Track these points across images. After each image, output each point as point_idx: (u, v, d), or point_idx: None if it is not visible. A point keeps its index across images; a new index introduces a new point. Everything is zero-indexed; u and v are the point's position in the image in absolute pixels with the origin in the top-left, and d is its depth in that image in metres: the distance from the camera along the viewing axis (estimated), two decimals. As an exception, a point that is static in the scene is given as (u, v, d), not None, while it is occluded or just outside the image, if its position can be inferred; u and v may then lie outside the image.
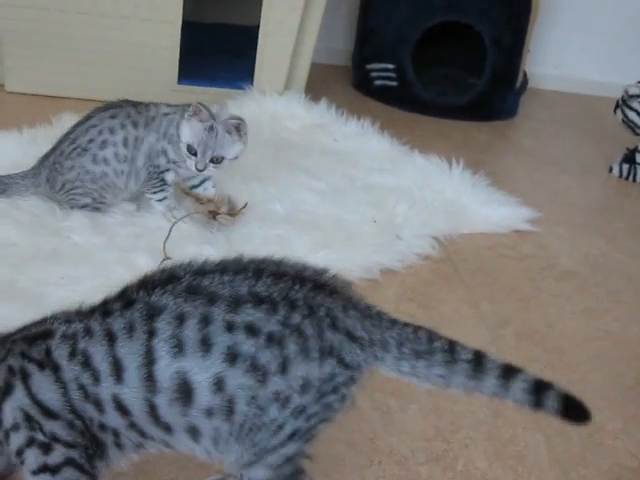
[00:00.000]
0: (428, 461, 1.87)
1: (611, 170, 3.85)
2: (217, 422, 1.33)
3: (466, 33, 4.27)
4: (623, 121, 3.71)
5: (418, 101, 4.34)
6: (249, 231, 2.69)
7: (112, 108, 2.71)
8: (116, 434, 1.37)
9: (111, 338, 1.31)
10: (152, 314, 1.30)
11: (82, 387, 1.33)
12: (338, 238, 2.73)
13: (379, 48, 4.45)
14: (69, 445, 1.36)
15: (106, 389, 1.32)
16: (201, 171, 2.63)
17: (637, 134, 3.71)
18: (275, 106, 3.77)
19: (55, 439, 1.35)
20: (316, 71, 4.15)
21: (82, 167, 2.65)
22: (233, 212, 2.70)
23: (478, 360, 1.38)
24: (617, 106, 3.73)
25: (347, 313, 1.36)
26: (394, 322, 1.41)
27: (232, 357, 1.28)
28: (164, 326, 1.29)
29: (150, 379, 1.30)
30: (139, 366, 1.30)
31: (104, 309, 1.36)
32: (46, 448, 1.35)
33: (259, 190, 2.91)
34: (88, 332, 1.33)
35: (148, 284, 1.35)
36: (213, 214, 2.67)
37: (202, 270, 1.37)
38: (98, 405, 1.33)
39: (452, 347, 1.39)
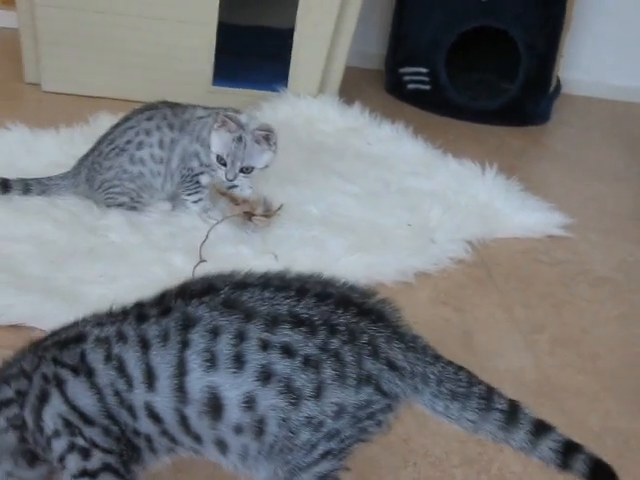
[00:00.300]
0: (462, 464, 1.88)
1: (645, 177, 3.84)
2: (246, 440, 1.32)
3: (499, 38, 4.26)
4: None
5: (451, 105, 4.34)
6: (285, 232, 2.70)
7: (149, 110, 2.74)
8: (149, 440, 1.36)
9: (145, 345, 1.30)
10: (187, 325, 1.29)
11: (117, 393, 1.32)
12: (373, 241, 2.74)
13: (412, 52, 4.45)
14: (106, 451, 1.35)
15: (139, 396, 1.31)
16: (231, 181, 2.66)
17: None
18: (309, 109, 3.78)
19: (94, 444, 1.35)
20: (349, 75, 4.15)
21: (120, 167, 2.69)
22: (268, 213, 2.71)
23: (512, 412, 1.35)
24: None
25: (390, 344, 1.33)
26: (438, 358, 1.38)
27: (265, 376, 1.26)
28: (198, 338, 1.28)
29: (181, 390, 1.29)
30: (171, 376, 1.29)
31: (139, 313, 1.35)
32: (86, 453, 1.35)
33: (294, 192, 2.92)
34: (122, 337, 1.32)
35: (186, 293, 1.33)
36: (248, 215, 2.68)
37: (243, 283, 1.34)
38: (131, 411, 1.33)
39: (489, 394, 1.36)
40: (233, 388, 1.27)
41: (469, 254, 2.83)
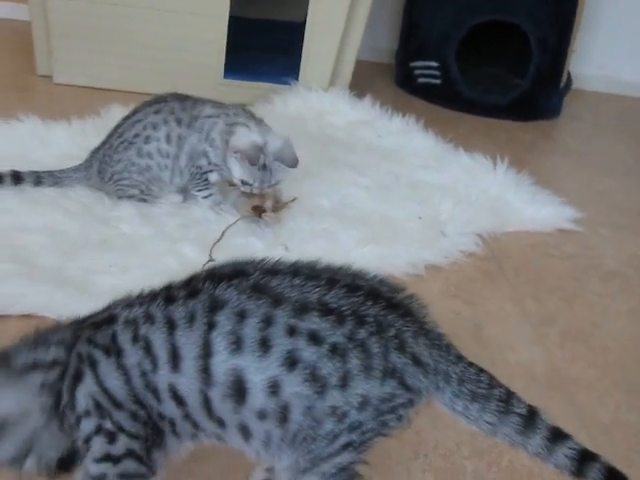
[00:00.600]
0: (473, 455, 1.88)
1: (655, 172, 3.84)
2: (269, 426, 1.31)
3: (510, 32, 4.26)
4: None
5: (462, 99, 4.34)
6: (296, 224, 2.70)
7: (157, 103, 2.74)
8: (173, 424, 1.36)
9: (171, 326, 1.30)
10: (214, 307, 1.28)
11: (144, 374, 1.31)
12: (384, 233, 2.74)
13: (423, 46, 4.45)
14: (132, 436, 1.35)
15: (163, 377, 1.31)
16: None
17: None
18: (320, 102, 3.79)
19: (120, 429, 1.35)
20: (359, 68, 4.16)
21: (128, 160, 2.70)
22: (278, 205, 2.71)
23: (531, 417, 1.35)
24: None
25: (417, 339, 1.32)
26: (460, 358, 1.38)
27: (291, 362, 1.25)
28: (224, 320, 1.27)
29: (206, 372, 1.28)
30: (196, 357, 1.28)
31: (167, 295, 1.35)
32: (112, 437, 1.35)
33: (306, 185, 2.92)
34: (149, 318, 1.32)
35: (215, 276, 1.33)
36: (259, 212, 2.68)
37: (273, 270, 1.34)
38: (156, 394, 1.32)
39: (509, 398, 1.36)
40: (258, 372, 1.26)
41: (480, 247, 2.84)
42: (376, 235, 2.72)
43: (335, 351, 1.26)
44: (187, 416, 1.34)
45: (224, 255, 2.32)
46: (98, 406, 1.34)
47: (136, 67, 3.76)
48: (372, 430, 1.34)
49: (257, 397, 1.28)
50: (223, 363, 1.27)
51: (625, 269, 2.89)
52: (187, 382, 1.30)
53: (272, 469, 1.67)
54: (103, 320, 1.37)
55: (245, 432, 1.33)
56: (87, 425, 1.35)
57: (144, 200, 2.74)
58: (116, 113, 3.09)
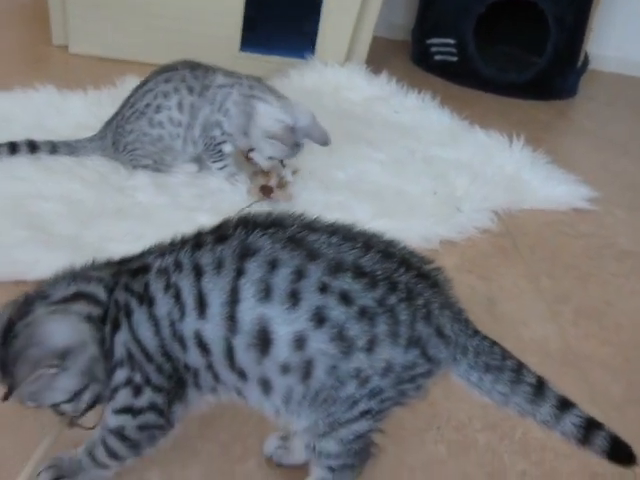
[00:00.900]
0: (485, 428, 1.88)
1: (672, 153, 3.82)
2: (291, 381, 1.31)
3: (528, 10, 4.23)
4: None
5: (478, 77, 4.33)
6: (311, 196, 2.71)
7: (167, 71, 2.73)
8: (196, 374, 1.36)
9: (198, 272, 1.29)
10: (245, 254, 1.27)
11: (172, 323, 1.31)
12: (399, 208, 2.74)
13: (440, 23, 4.43)
14: (157, 389, 1.36)
15: (190, 324, 1.30)
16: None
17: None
18: (336, 77, 3.78)
19: (147, 381, 1.35)
20: (375, 45, 4.14)
21: (140, 130, 2.70)
22: (282, 181, 2.71)
23: (540, 386, 1.38)
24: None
25: (442, 311, 1.33)
26: (476, 332, 1.40)
27: (319, 319, 1.25)
28: (254, 268, 1.25)
29: (232, 319, 1.26)
30: (223, 303, 1.26)
31: (196, 241, 1.34)
32: (137, 391, 1.35)
33: (321, 158, 2.92)
34: (178, 265, 1.31)
35: (249, 223, 1.32)
36: (267, 192, 2.67)
37: (311, 225, 1.33)
38: (182, 342, 1.32)
39: (520, 368, 1.39)
40: (285, 324, 1.25)
41: (495, 224, 2.83)
42: (391, 209, 2.72)
43: (364, 314, 1.26)
44: (210, 366, 1.34)
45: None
46: (130, 357, 1.33)
47: (152, 38, 3.75)
48: (391, 399, 1.35)
49: (281, 349, 1.27)
50: (250, 311, 1.26)
51: (639, 249, 2.88)
52: (212, 329, 1.29)
53: (287, 437, 1.68)
54: (138, 269, 1.36)
55: (266, 386, 1.33)
56: (119, 375, 1.35)
57: (158, 170, 2.74)
58: (131, 84, 3.07)
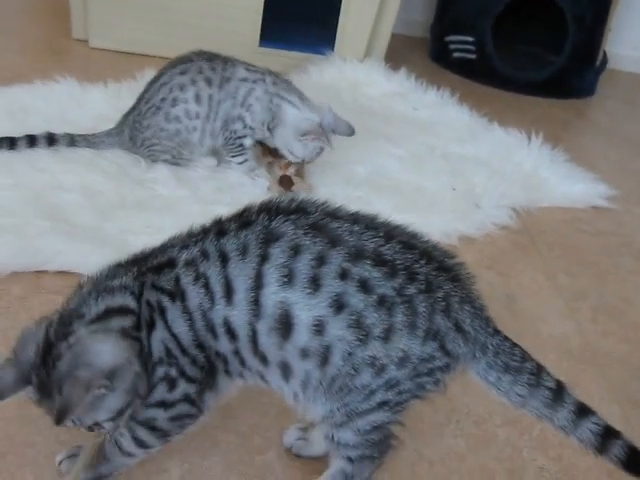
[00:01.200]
0: (505, 424, 1.88)
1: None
2: (309, 366, 1.32)
3: (546, 9, 4.22)
4: None
5: (497, 75, 4.32)
6: (331, 191, 2.70)
7: (182, 63, 2.71)
8: (225, 361, 1.37)
9: (224, 259, 1.30)
10: (269, 239, 1.28)
11: (204, 314, 1.32)
12: (418, 203, 2.75)
13: (459, 20, 4.42)
14: (190, 380, 1.36)
15: (219, 312, 1.31)
16: None
17: None
18: (355, 73, 3.78)
19: (182, 374, 1.35)
20: (394, 42, 4.14)
21: (157, 125, 2.69)
22: (301, 171, 2.73)
23: (559, 391, 1.38)
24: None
25: (462, 305, 1.34)
26: (497, 331, 1.40)
27: (339, 305, 1.26)
28: (278, 253, 1.27)
29: (256, 303, 1.28)
30: (248, 289, 1.28)
31: (218, 229, 1.35)
32: (172, 385, 1.36)
33: (340, 153, 2.91)
34: (205, 254, 1.32)
35: (272, 209, 1.33)
36: (288, 185, 2.68)
37: (334, 213, 1.34)
38: (213, 331, 1.33)
39: (539, 371, 1.39)
40: (305, 309, 1.27)
41: (513, 221, 2.83)
42: (410, 204, 2.72)
43: (382, 303, 1.27)
44: (237, 352, 1.35)
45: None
46: (168, 353, 1.34)
47: (171, 33, 3.75)
48: (408, 391, 1.36)
49: (302, 334, 1.29)
50: (273, 295, 1.27)
51: (658, 248, 2.88)
52: (239, 314, 1.30)
53: (306, 429, 1.69)
54: (163, 264, 1.36)
55: (286, 370, 1.35)
56: (159, 372, 1.35)
57: (177, 164, 2.74)
58: (151, 77, 3.09)
